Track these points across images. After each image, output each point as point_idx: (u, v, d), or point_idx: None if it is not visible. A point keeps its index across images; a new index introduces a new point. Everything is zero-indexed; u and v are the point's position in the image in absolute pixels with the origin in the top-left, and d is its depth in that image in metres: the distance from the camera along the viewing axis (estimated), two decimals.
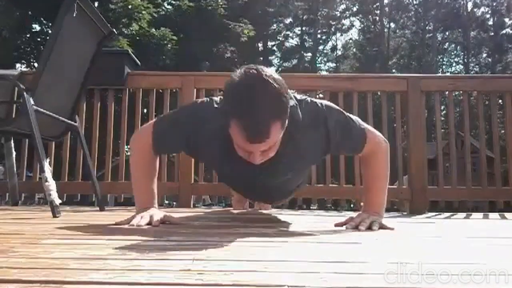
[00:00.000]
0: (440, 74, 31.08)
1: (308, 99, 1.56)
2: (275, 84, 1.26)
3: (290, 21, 43.08)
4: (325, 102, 1.58)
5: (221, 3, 17.29)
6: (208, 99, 1.59)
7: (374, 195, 1.64)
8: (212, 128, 1.48)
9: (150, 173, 1.63)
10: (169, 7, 18.33)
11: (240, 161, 1.40)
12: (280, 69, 41.17)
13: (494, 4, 43.56)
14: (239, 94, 1.27)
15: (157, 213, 1.54)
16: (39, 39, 15.16)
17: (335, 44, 46.56)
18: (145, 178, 1.63)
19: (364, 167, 1.70)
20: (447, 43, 46.33)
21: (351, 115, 1.59)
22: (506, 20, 42.78)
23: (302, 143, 1.49)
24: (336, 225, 1.61)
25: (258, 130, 1.25)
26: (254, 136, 1.26)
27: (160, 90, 3.46)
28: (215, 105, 1.53)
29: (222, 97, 1.40)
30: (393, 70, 41.35)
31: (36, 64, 14.62)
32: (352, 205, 8.20)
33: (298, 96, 1.56)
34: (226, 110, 1.31)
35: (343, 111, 1.58)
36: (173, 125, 1.59)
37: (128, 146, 1.84)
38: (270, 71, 1.30)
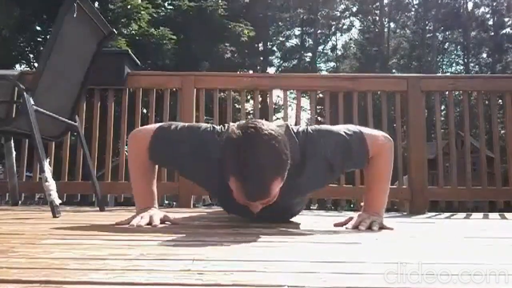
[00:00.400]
0: (440, 74, 31.08)
1: (302, 129, 1.54)
2: (274, 143, 1.25)
3: (290, 21, 43.07)
4: (319, 128, 1.58)
5: (221, 4, 17.29)
6: (211, 128, 1.56)
7: (375, 196, 1.63)
8: (211, 166, 1.45)
9: (148, 173, 1.63)
10: (169, 7, 18.33)
11: (237, 203, 1.38)
12: (280, 69, 41.18)
13: (494, 4, 43.55)
14: (238, 154, 1.25)
15: (157, 213, 1.54)
16: (39, 39, 15.15)
17: (335, 44, 46.55)
18: (143, 178, 1.63)
19: (369, 166, 1.67)
20: (447, 43, 46.32)
21: (348, 130, 1.55)
22: (506, 20, 42.77)
23: (303, 180, 1.49)
24: (336, 225, 1.61)
25: (257, 192, 1.26)
26: (253, 196, 1.28)
27: (160, 90, 3.46)
28: (217, 136, 1.50)
29: (224, 137, 1.37)
30: (393, 70, 41.33)
31: (36, 64, 14.62)
32: (352, 205, 8.20)
33: (294, 128, 1.55)
34: (225, 166, 1.30)
35: (338, 131, 1.55)
36: (174, 141, 1.56)
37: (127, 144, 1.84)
38: (269, 127, 1.28)
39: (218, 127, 1.57)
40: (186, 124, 1.64)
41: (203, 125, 1.62)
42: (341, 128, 1.57)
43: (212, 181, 1.54)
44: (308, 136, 1.52)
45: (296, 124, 2.07)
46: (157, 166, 1.68)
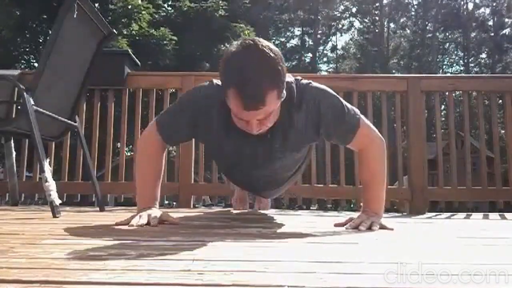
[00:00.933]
0: (440, 74, 31.08)
1: (306, 81, 1.57)
2: (271, 54, 1.29)
3: (290, 22, 43.08)
4: (323, 86, 1.58)
5: (221, 4, 17.29)
6: (208, 81, 1.62)
7: (373, 196, 1.63)
8: (212, 103, 1.51)
9: (153, 173, 1.64)
10: (169, 8, 18.33)
11: (239, 135, 1.45)
12: None
13: (494, 4, 43.56)
14: (235, 63, 1.30)
15: (157, 213, 1.54)
16: (39, 39, 15.15)
17: (335, 44, 46.57)
18: (148, 178, 1.64)
19: (361, 166, 1.69)
20: (447, 44, 46.34)
21: (349, 105, 1.58)
22: (506, 20, 42.78)
23: (297, 121, 1.51)
24: (336, 225, 1.61)
25: (253, 97, 1.28)
26: (249, 103, 1.29)
27: (160, 90, 3.46)
28: (215, 84, 1.57)
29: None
30: (393, 70, 41.34)
31: (36, 64, 14.62)
32: (352, 206, 8.20)
33: (299, 77, 1.58)
34: (223, 80, 1.35)
35: (341, 99, 1.58)
36: (177, 111, 1.63)
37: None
38: (266, 42, 1.33)
39: (216, 80, 1.61)
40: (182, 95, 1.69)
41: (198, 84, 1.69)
42: (343, 102, 1.58)
43: (214, 122, 1.54)
44: (309, 86, 1.54)
45: None
46: (163, 166, 1.68)
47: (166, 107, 3.12)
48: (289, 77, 1.51)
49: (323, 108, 1.51)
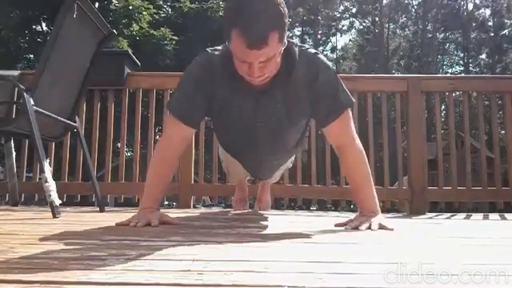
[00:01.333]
0: (440, 75, 31.08)
1: (313, 50, 1.60)
2: None
3: (290, 22, 43.09)
4: (329, 63, 1.62)
5: (222, 5, 17.29)
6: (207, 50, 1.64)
7: (367, 195, 1.63)
8: (211, 68, 1.55)
9: (163, 175, 1.64)
10: (170, 9, 18.33)
11: (242, 90, 1.49)
12: None
13: (494, 4, 43.58)
14: (238, 4, 1.34)
15: (157, 214, 1.55)
16: (39, 39, 15.16)
17: (335, 44, 46.59)
18: (156, 178, 1.64)
19: (348, 168, 1.68)
20: (447, 44, 46.35)
21: (346, 88, 1.63)
22: (506, 21, 42.80)
23: (295, 79, 1.53)
24: (336, 225, 1.61)
25: (256, 35, 1.30)
26: (252, 41, 1.30)
27: (160, 90, 3.46)
28: (209, 51, 1.61)
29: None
30: (393, 71, 41.35)
31: (36, 64, 14.62)
32: (352, 206, 8.19)
33: (307, 46, 1.62)
34: (227, 23, 1.37)
35: (340, 80, 1.62)
36: (183, 88, 1.63)
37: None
38: None
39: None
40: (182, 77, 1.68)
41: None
42: (341, 83, 1.62)
43: (218, 79, 1.56)
44: (314, 55, 1.57)
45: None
46: (176, 166, 1.71)
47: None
48: (296, 43, 1.55)
49: (321, 77, 1.54)
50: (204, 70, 1.57)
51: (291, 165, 2.45)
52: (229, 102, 1.61)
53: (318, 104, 1.59)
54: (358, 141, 1.65)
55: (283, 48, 1.40)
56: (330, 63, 1.61)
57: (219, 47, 1.58)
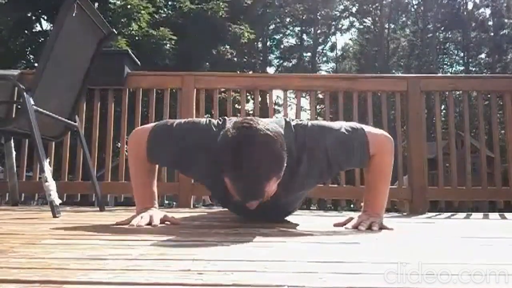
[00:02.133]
0: (440, 74, 31.09)
1: (302, 123, 1.53)
2: (270, 143, 1.23)
3: (290, 21, 43.08)
4: (320, 123, 1.56)
5: (222, 6, 17.28)
6: (208, 122, 1.54)
7: (375, 197, 1.63)
8: (208, 161, 1.42)
9: (148, 173, 1.63)
10: (170, 9, 18.32)
11: (233, 200, 1.36)
12: (279, 69, 41.21)
13: (494, 4, 43.58)
14: (232, 155, 1.22)
15: (157, 213, 1.54)
16: (39, 39, 15.15)
17: (334, 44, 46.58)
18: (143, 178, 1.63)
19: (368, 166, 1.65)
20: (447, 43, 46.34)
21: (350, 126, 1.55)
22: (506, 20, 42.80)
23: (300, 175, 1.48)
24: (336, 225, 1.61)
25: (252, 194, 1.25)
26: (247, 199, 1.27)
27: (160, 90, 3.46)
28: (214, 129, 1.48)
29: (221, 131, 1.34)
30: (393, 70, 41.34)
31: (36, 64, 14.62)
32: (352, 205, 8.19)
33: (293, 122, 1.53)
34: (220, 166, 1.27)
35: (340, 128, 1.53)
36: (171, 140, 1.53)
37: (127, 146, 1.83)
38: (265, 126, 1.25)
39: (215, 121, 1.54)
40: (182, 120, 1.62)
41: (200, 120, 1.60)
42: (343, 125, 1.55)
43: (209, 176, 1.53)
44: (308, 129, 1.50)
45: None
46: (157, 166, 1.68)
47: (168, 108, 3.15)
48: (282, 127, 1.43)
49: (330, 150, 1.48)
50: (203, 156, 1.46)
51: None
52: (218, 194, 1.58)
53: (342, 166, 1.58)
54: (388, 144, 1.59)
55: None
56: (318, 123, 1.55)
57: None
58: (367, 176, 1.66)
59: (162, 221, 1.53)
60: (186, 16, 17.09)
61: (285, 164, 1.28)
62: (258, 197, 1.27)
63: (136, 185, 1.64)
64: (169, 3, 18.33)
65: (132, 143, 1.64)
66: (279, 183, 1.31)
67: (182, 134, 1.53)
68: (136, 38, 14.31)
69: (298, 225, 1.73)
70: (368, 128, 1.59)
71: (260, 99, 3.48)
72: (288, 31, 43.45)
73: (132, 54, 3.39)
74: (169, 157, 1.58)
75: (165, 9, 17.91)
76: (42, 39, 14.78)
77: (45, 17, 15.27)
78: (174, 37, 15.16)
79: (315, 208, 10.03)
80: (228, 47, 18.57)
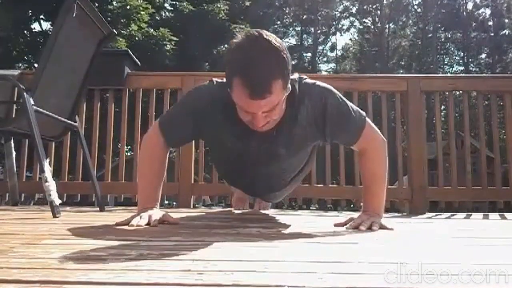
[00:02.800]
0: (440, 74, 31.09)
1: (311, 80, 1.57)
2: (276, 43, 1.30)
3: (290, 21, 43.08)
4: (329, 86, 1.58)
5: (222, 8, 17.29)
6: (208, 81, 1.62)
7: (374, 196, 1.63)
8: (215, 103, 1.50)
9: (155, 174, 1.63)
10: (170, 10, 18.32)
11: (244, 133, 1.45)
12: None
13: (494, 4, 43.58)
14: (240, 52, 1.30)
15: (157, 213, 1.54)
16: (39, 39, 15.15)
17: (334, 44, 46.59)
18: (149, 177, 1.64)
19: (362, 166, 1.69)
20: (447, 44, 46.34)
21: (354, 106, 1.59)
22: (506, 20, 42.80)
23: (301, 117, 1.50)
24: (336, 225, 1.61)
25: (259, 84, 1.27)
26: (255, 92, 1.28)
27: (160, 90, 3.46)
28: (215, 83, 1.57)
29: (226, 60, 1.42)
30: (394, 71, 41.34)
31: (36, 64, 14.62)
32: (352, 205, 8.19)
33: (304, 76, 1.58)
34: (228, 71, 1.34)
35: (346, 100, 1.57)
36: (179, 113, 1.61)
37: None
38: (271, 34, 1.34)
39: (216, 78, 1.62)
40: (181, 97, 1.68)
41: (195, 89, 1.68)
42: (351, 104, 1.58)
43: (217, 121, 1.54)
44: (315, 85, 1.54)
45: None
46: (165, 166, 1.69)
47: (168, 108, 3.15)
48: (293, 75, 1.50)
49: (329, 107, 1.50)
50: (206, 105, 1.52)
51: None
52: (228, 143, 1.60)
53: (335, 133, 1.57)
54: (380, 141, 1.63)
55: (286, 94, 1.38)
56: (330, 86, 1.57)
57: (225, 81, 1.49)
58: (364, 176, 1.68)
59: (162, 221, 1.53)
60: (186, 17, 17.10)
61: (289, 75, 1.35)
62: (266, 91, 1.28)
63: (141, 183, 1.65)
64: (169, 2, 18.33)
65: (144, 139, 1.67)
66: (283, 118, 1.41)
67: (188, 99, 1.63)
68: (136, 38, 14.32)
69: (298, 225, 1.73)
70: (368, 119, 1.61)
71: None
72: (289, 31, 43.46)
73: (132, 55, 3.39)
74: (187, 130, 1.60)
75: (165, 10, 17.91)
76: (42, 39, 14.78)
77: (45, 17, 15.26)
78: (174, 38, 15.17)
79: (315, 208, 10.03)
80: (228, 47, 18.58)
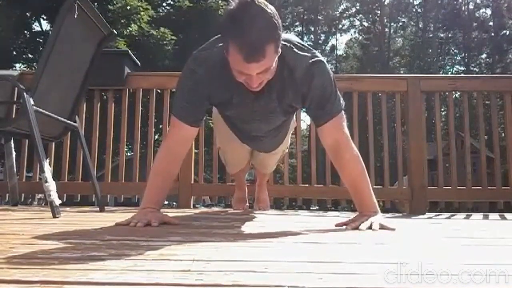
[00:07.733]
0: (440, 75, 31.10)
1: (318, 58, 1.60)
2: (267, 9, 1.36)
3: (291, 21, 43.09)
4: (328, 69, 1.63)
5: (221, 4, 17.27)
6: (193, 52, 1.65)
7: (362, 194, 1.65)
8: (214, 60, 1.56)
9: (165, 173, 1.65)
10: (168, 7, 18.30)
11: (240, 91, 1.53)
12: None
13: (495, 5, 43.58)
14: (234, 17, 1.36)
15: (157, 214, 1.55)
16: (39, 39, 15.15)
17: (335, 44, 46.61)
18: (158, 177, 1.65)
19: (339, 166, 1.69)
20: (448, 44, 46.34)
21: (339, 94, 1.66)
22: (507, 21, 42.80)
23: (291, 85, 1.58)
24: (337, 225, 1.61)
25: (254, 49, 1.33)
26: (250, 55, 1.34)
27: (160, 90, 3.46)
28: (203, 49, 1.63)
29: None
30: (394, 71, 41.34)
31: (36, 64, 14.62)
32: (352, 205, 8.19)
33: (316, 53, 1.62)
34: (224, 36, 1.41)
35: (336, 87, 1.63)
36: (183, 94, 1.63)
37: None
38: (263, 0, 1.39)
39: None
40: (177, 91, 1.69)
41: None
42: (337, 91, 1.65)
43: (219, 79, 1.58)
44: (317, 60, 1.58)
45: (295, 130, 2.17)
46: (179, 167, 1.72)
47: (168, 108, 3.15)
48: (308, 52, 1.57)
49: (316, 80, 1.57)
50: (203, 69, 1.58)
51: (287, 150, 2.52)
52: (228, 101, 1.65)
53: (311, 106, 1.64)
54: (347, 137, 1.68)
55: (277, 57, 1.44)
56: (327, 67, 1.63)
57: (217, 44, 1.57)
58: (348, 179, 1.69)
59: (162, 221, 1.53)
60: (185, 15, 17.08)
61: (280, 39, 1.41)
62: (259, 54, 1.34)
63: (149, 184, 1.66)
64: (168, 1, 18.30)
65: (165, 141, 1.70)
66: (273, 78, 1.48)
67: (187, 81, 1.63)
68: (136, 38, 14.31)
69: (298, 225, 1.73)
70: (344, 119, 1.68)
71: None
72: (289, 32, 43.44)
73: (132, 55, 3.39)
74: (199, 104, 1.64)
75: (164, 8, 17.89)
76: (42, 39, 14.78)
77: (45, 17, 15.27)
78: (174, 38, 15.16)
79: (315, 208, 10.03)
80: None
